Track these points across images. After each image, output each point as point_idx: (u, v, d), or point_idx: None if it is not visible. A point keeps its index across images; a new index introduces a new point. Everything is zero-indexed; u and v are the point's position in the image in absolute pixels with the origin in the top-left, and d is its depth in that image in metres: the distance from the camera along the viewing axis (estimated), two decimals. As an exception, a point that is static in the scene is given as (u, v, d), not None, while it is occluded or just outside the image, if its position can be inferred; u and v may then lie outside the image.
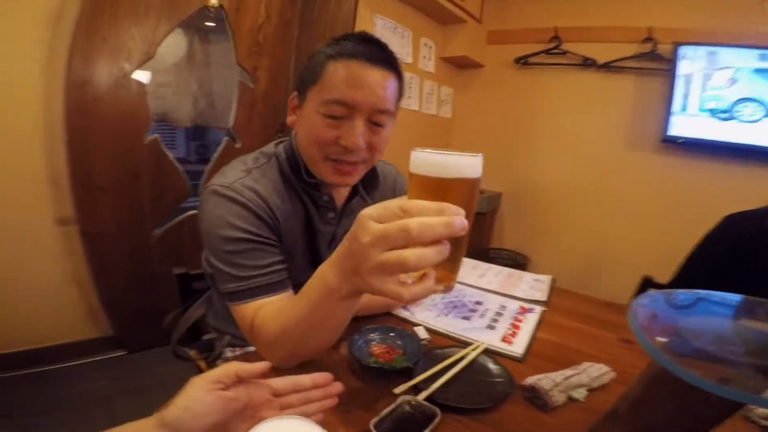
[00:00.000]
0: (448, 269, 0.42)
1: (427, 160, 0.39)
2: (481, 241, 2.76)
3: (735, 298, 0.41)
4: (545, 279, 1.10)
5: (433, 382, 0.58)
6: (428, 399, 0.55)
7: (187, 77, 1.83)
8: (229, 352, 0.85)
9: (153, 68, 1.63)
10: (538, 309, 0.90)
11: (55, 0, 1.39)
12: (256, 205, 0.67)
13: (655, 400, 0.37)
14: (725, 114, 2.00)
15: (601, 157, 2.47)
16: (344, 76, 0.63)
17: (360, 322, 0.74)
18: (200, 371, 0.91)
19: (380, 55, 0.66)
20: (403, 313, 0.84)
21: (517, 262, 2.76)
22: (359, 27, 1.95)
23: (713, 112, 2.03)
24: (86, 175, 1.54)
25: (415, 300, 0.39)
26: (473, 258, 1.25)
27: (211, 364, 0.88)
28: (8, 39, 1.35)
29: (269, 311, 0.61)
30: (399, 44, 2.27)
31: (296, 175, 0.74)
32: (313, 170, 0.72)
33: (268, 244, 0.67)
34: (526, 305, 0.92)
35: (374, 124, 0.68)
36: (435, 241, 0.36)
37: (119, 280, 1.72)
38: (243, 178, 0.69)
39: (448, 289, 0.43)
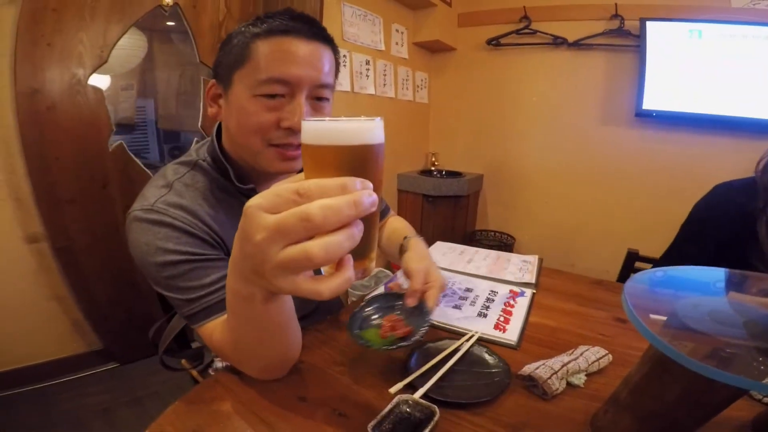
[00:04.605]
0: (362, 253, 0.36)
1: (321, 128, 0.33)
2: (466, 224, 2.77)
3: (731, 274, 0.40)
4: (533, 260, 1.10)
5: (428, 378, 0.56)
6: (425, 396, 0.53)
7: (150, 79, 1.76)
8: (218, 362, 0.82)
9: (111, 72, 1.56)
10: (529, 292, 0.90)
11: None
12: (186, 222, 0.61)
13: (656, 387, 0.36)
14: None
15: (576, 133, 2.50)
16: (280, 52, 0.58)
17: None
18: (194, 380, 0.89)
19: (313, 29, 0.61)
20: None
21: (504, 242, 2.78)
22: (327, 17, 1.89)
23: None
24: (50, 188, 1.46)
25: (335, 294, 0.33)
26: (459, 242, 1.24)
27: (203, 373, 0.84)
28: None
29: (221, 329, 0.56)
30: (370, 31, 2.22)
31: (227, 181, 0.68)
32: (254, 162, 0.66)
33: (209, 260, 0.61)
34: (516, 288, 0.92)
35: (317, 100, 0.63)
36: (343, 226, 0.30)
37: (100, 292, 1.66)
38: (164, 195, 0.63)
39: (366, 273, 0.38)
